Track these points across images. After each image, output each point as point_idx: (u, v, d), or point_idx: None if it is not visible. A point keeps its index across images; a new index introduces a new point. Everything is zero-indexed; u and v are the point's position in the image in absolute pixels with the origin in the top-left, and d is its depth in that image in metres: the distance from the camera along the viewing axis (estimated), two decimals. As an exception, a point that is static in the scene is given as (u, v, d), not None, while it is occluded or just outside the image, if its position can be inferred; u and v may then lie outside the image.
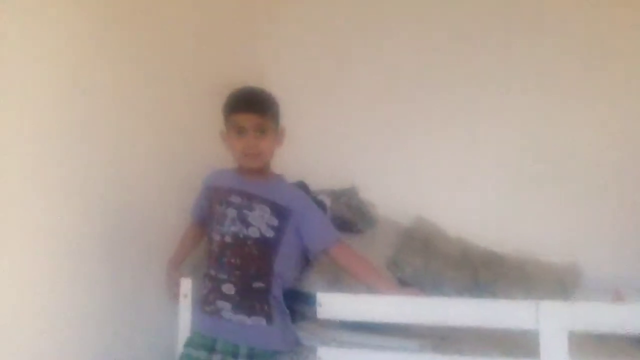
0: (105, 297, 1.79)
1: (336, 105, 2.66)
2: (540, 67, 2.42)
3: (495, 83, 2.47)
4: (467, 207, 2.46)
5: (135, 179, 1.94)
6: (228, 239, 1.73)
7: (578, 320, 1.27)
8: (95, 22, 1.77)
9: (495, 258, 2.27)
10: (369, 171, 2.56)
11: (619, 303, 1.87)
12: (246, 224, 1.73)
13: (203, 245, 1.89)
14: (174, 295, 1.84)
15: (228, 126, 1.78)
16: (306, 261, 1.94)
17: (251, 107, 1.75)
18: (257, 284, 1.70)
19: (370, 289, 1.69)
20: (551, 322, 1.26)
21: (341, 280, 1.92)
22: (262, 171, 1.81)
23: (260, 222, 1.72)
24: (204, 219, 1.86)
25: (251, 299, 1.70)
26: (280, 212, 1.75)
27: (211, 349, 1.68)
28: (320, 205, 2.05)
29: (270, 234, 1.73)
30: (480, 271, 2.21)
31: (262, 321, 1.69)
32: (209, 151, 1.99)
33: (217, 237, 1.75)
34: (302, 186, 2.08)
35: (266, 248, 1.72)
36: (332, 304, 1.45)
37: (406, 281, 2.12)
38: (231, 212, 1.74)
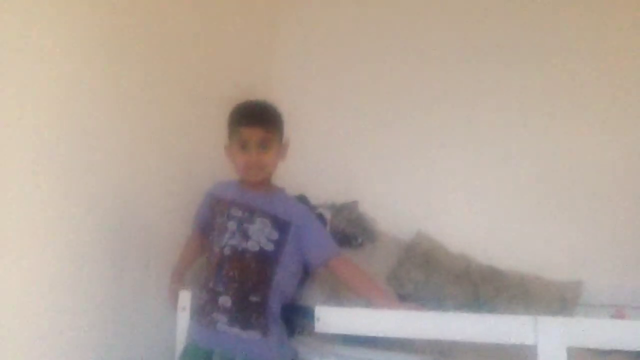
0: (104, 307, 1.79)
1: (338, 119, 2.67)
2: (547, 85, 2.41)
3: (500, 99, 2.47)
4: (469, 222, 2.46)
5: (138, 185, 1.95)
6: (227, 252, 1.73)
7: (576, 336, 1.26)
8: (101, 29, 1.79)
9: (496, 274, 2.26)
10: (370, 185, 2.56)
11: (619, 319, 1.86)
12: (246, 237, 1.73)
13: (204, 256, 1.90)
14: (175, 307, 1.84)
15: (232, 139, 1.79)
16: (306, 275, 1.94)
17: (255, 122, 1.76)
18: (254, 298, 1.70)
19: (370, 303, 1.68)
20: (549, 337, 1.25)
21: (340, 294, 1.92)
22: (264, 184, 1.82)
23: (260, 235, 1.73)
24: (206, 230, 1.86)
25: (247, 312, 1.69)
26: (281, 225, 1.75)
27: (207, 361, 1.68)
28: (320, 219, 2.06)
29: (270, 247, 1.73)
30: (481, 287, 2.20)
31: (258, 335, 1.68)
32: (212, 159, 2.00)
33: (216, 249, 1.75)
34: (303, 199, 2.09)
35: (266, 261, 1.72)
36: (330, 318, 1.44)
37: (406, 296, 2.12)
38: (232, 225, 1.75)
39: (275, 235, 1.73)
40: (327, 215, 2.23)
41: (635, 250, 2.24)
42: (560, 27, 2.41)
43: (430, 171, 2.54)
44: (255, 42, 2.67)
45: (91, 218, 1.75)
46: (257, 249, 1.72)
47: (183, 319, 1.80)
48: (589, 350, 1.58)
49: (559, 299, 2.15)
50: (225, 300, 1.70)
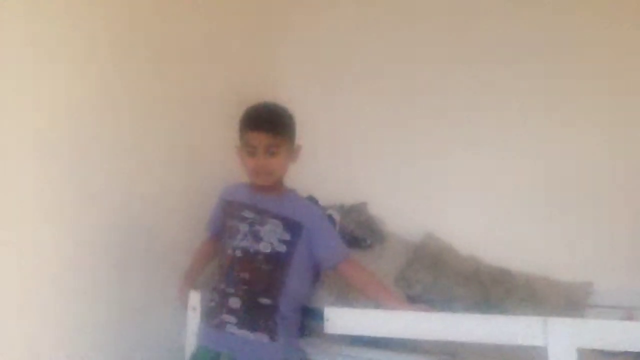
0: (113, 309, 1.81)
1: (347, 120, 2.67)
2: (555, 90, 2.40)
3: (509, 99, 2.46)
4: (477, 224, 2.45)
5: (143, 186, 1.96)
6: (238, 254, 1.74)
7: (586, 337, 1.26)
8: (111, 33, 1.81)
9: (506, 275, 2.25)
10: (378, 187, 2.56)
11: (629, 321, 1.85)
12: (257, 238, 1.73)
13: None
14: (186, 308, 1.85)
15: (242, 142, 1.79)
16: (317, 278, 1.94)
17: (264, 127, 1.74)
18: (264, 300, 1.71)
19: (379, 305, 1.68)
20: (559, 338, 1.25)
21: (349, 296, 1.92)
22: (275, 186, 1.82)
23: (272, 236, 1.73)
24: (220, 233, 1.87)
25: (256, 314, 1.70)
26: (293, 226, 1.75)
27: (215, 363, 1.68)
28: (330, 220, 2.06)
29: (282, 248, 1.73)
30: (490, 288, 2.19)
31: (265, 337, 1.68)
32: (222, 164, 2.01)
33: (228, 251, 1.76)
34: (312, 201, 2.09)
35: (278, 263, 1.73)
36: (339, 319, 1.44)
37: (415, 298, 2.11)
38: (243, 227, 1.76)
39: (287, 236, 1.74)
40: (337, 216, 2.23)
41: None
42: (562, 30, 2.39)
43: (438, 172, 2.54)
44: (263, 44, 2.67)
45: (97, 219, 1.77)
46: (269, 250, 1.72)
47: (193, 320, 1.81)
48: (598, 351, 1.58)
49: (568, 300, 2.14)
50: (234, 302, 1.71)
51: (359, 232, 2.31)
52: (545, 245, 2.34)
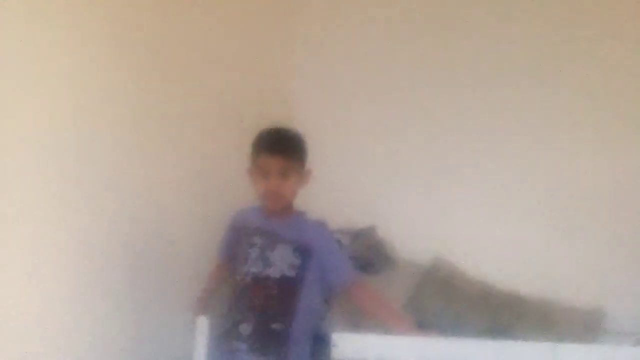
0: (124, 329, 1.80)
1: (357, 145, 2.68)
2: (568, 112, 2.40)
3: (519, 120, 2.45)
4: (488, 247, 2.43)
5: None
6: (248, 280, 1.75)
7: (596, 363, 1.25)
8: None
9: (516, 300, 2.23)
10: (388, 211, 2.55)
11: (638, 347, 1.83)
12: (268, 263, 1.74)
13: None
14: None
15: (254, 165, 1.82)
16: (328, 301, 1.94)
17: (276, 150, 1.78)
18: (276, 325, 1.71)
19: (389, 329, 1.68)
20: (569, 364, 1.25)
21: (361, 322, 1.91)
22: (285, 210, 1.83)
23: (282, 261, 1.74)
24: (231, 259, 1.88)
25: (268, 340, 1.70)
26: (303, 251, 1.76)
27: (226, 390, 1.68)
28: (339, 245, 2.06)
29: (292, 273, 1.74)
30: (501, 313, 2.18)
31: None
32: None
33: (238, 278, 1.78)
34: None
35: (288, 287, 1.73)
36: (348, 344, 1.44)
37: (425, 323, 2.10)
38: (253, 252, 1.77)
39: (297, 261, 1.75)
40: (345, 241, 2.23)
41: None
42: (567, 48, 2.40)
43: (449, 196, 2.53)
44: (275, 60, 2.64)
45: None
46: (278, 275, 1.73)
47: (201, 345, 1.80)
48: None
49: (580, 326, 2.12)
50: (245, 329, 1.71)
51: (368, 256, 2.30)
52: (556, 269, 2.32)
